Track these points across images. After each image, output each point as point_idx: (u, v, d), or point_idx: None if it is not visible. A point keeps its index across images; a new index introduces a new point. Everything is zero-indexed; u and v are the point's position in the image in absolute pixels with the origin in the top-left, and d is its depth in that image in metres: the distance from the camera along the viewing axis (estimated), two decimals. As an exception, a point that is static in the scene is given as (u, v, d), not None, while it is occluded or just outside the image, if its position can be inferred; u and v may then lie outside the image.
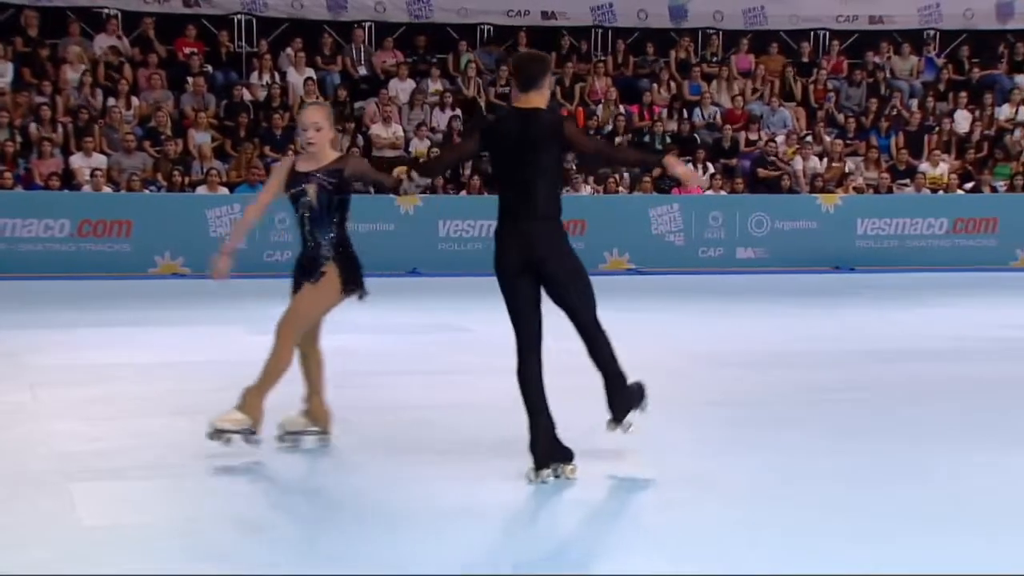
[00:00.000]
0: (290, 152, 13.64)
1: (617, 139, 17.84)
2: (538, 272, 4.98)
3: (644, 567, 3.97)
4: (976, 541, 4.24)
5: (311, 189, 5.49)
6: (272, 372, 5.33)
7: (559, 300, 5.02)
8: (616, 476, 5.15)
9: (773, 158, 17.56)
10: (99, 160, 15.78)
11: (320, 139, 5.54)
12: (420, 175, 5.39)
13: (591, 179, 17.05)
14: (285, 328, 5.36)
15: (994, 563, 4.00)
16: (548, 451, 4.93)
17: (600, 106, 18.35)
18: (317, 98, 17.46)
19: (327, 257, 5.47)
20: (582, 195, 16.80)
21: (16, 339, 9.15)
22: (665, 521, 4.51)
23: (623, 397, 5.07)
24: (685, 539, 4.26)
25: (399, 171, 5.51)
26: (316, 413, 5.66)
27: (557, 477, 4.94)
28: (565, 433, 5.07)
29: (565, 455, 4.99)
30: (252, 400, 5.32)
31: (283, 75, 17.82)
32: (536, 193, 4.94)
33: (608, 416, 5.14)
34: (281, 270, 14.47)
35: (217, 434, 5.29)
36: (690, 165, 17.28)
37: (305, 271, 5.50)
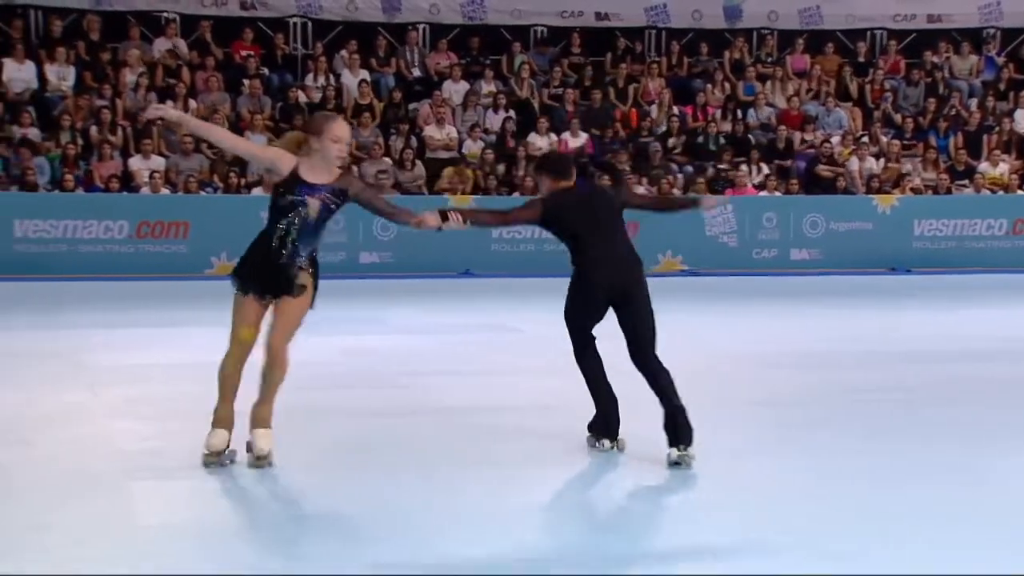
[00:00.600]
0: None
1: (671, 140, 17.86)
2: (622, 295, 5.49)
3: (689, 567, 4.04)
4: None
5: (314, 204, 5.30)
6: (277, 385, 5.34)
7: (629, 326, 5.48)
8: (661, 476, 5.22)
9: (828, 159, 17.47)
10: (157, 162, 16.09)
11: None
12: (468, 224, 5.57)
13: (644, 180, 17.06)
14: (283, 344, 5.29)
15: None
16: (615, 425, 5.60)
17: (654, 107, 18.36)
18: (371, 101, 17.67)
19: (301, 268, 5.33)
20: (635, 196, 16.78)
21: (77, 339, 9.39)
22: (707, 521, 4.58)
23: (687, 427, 5.33)
24: (728, 539, 4.32)
25: (441, 215, 5.50)
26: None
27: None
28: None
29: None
30: (268, 415, 5.42)
31: (338, 77, 18.03)
32: (618, 244, 5.57)
33: (674, 449, 5.30)
34: (333, 271, 14.60)
35: (265, 460, 5.37)
36: (743, 167, 17.24)
37: (280, 283, 5.30)
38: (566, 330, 5.60)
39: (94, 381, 7.50)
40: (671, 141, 17.86)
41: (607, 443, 5.59)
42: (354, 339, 9.51)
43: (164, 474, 5.22)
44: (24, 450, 5.63)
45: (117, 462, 5.40)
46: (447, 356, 8.88)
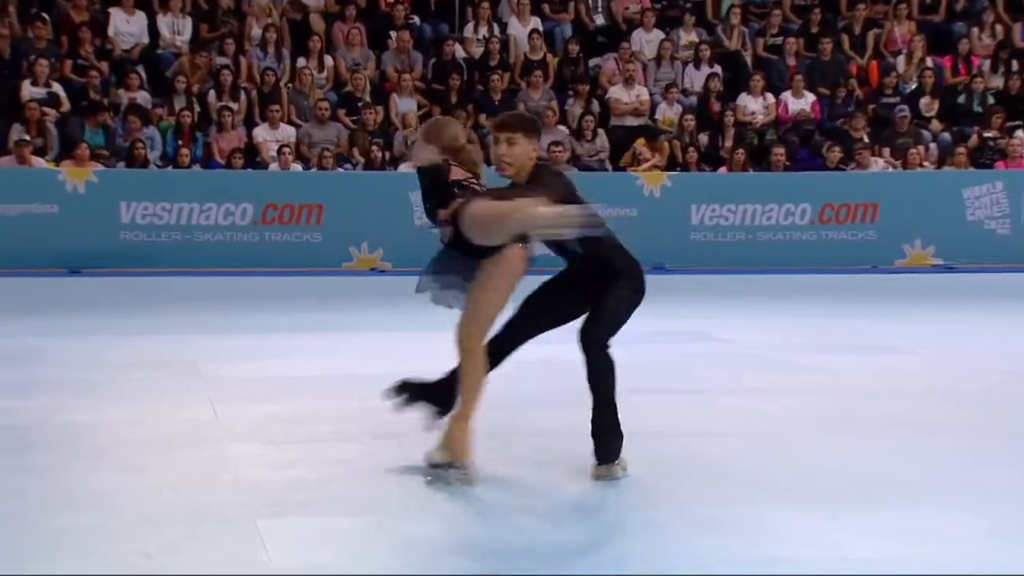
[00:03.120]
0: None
1: (923, 101, 17.41)
2: None
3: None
4: None
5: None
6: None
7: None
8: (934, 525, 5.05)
9: None
10: (286, 132, 16.48)
11: None
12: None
13: (886, 151, 16.67)
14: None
15: None
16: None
17: (900, 59, 17.90)
18: (544, 56, 17.70)
19: None
20: (873, 171, 16.44)
21: (193, 346, 9.63)
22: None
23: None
24: None
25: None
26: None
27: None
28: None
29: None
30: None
31: (503, 27, 18.16)
32: None
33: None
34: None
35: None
36: (1019, 133, 16.63)
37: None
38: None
39: (215, 396, 7.67)
40: (923, 102, 17.37)
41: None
42: (523, 349, 9.50)
43: (301, 510, 5.28)
44: (134, 478, 5.77)
45: (244, 494, 5.49)
46: (638, 370, 8.78)
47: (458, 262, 5.63)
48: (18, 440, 6.56)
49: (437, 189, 5.66)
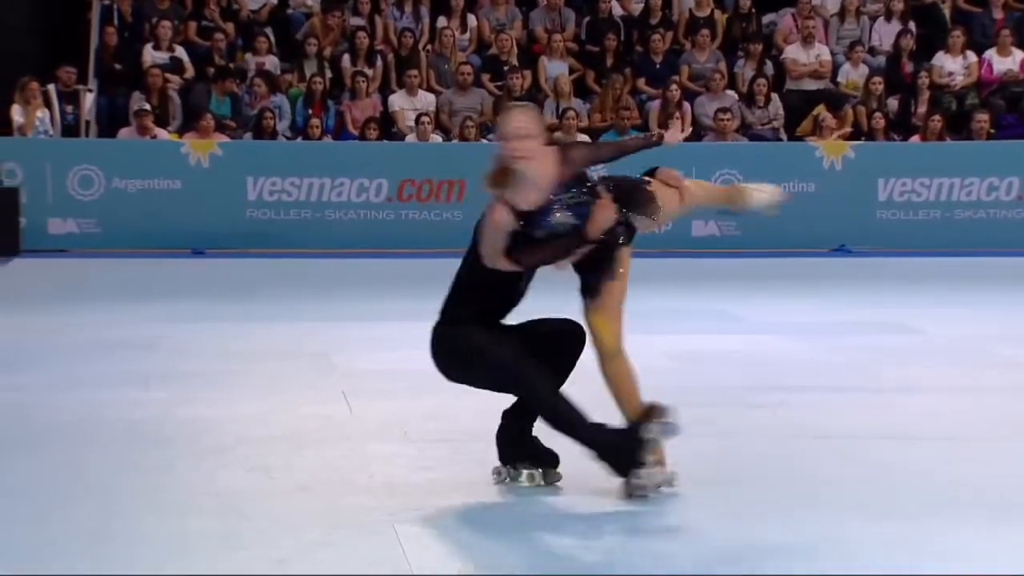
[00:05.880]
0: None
1: None
2: None
3: None
4: None
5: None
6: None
7: None
8: None
9: None
10: (426, 100, 16.63)
11: None
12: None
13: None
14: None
15: None
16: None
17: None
18: (712, 12, 17.59)
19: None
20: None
21: (325, 334, 9.80)
22: None
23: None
24: None
25: None
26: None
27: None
28: None
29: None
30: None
31: (666, -20, 18.07)
32: None
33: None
34: (656, 246, 14.59)
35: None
36: None
37: None
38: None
39: (348, 390, 7.78)
40: None
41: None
42: (688, 339, 9.50)
43: (442, 514, 5.34)
44: (263, 479, 5.88)
45: (381, 496, 5.57)
46: (819, 366, 8.73)
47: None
48: (137, 435, 6.73)
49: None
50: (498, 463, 5.79)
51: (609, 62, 17.08)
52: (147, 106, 16.09)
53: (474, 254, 5.61)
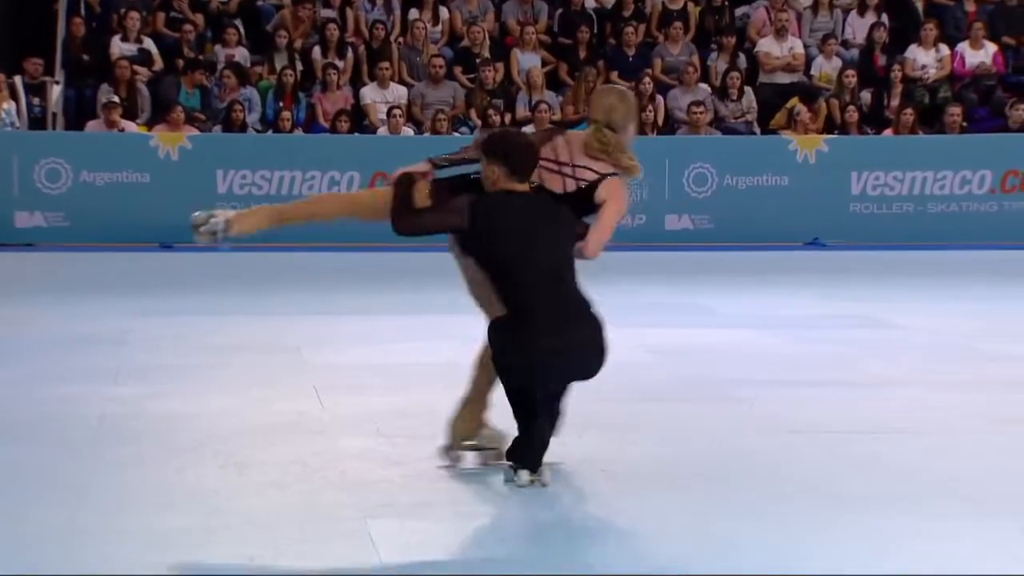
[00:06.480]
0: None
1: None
2: None
3: None
4: None
5: None
6: None
7: None
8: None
9: None
10: (397, 92, 16.60)
11: None
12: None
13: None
14: None
15: None
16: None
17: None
18: (684, 5, 17.60)
19: None
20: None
21: (297, 329, 9.79)
22: None
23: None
24: None
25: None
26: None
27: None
28: None
29: None
30: None
31: (638, -28, 18.09)
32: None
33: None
34: (631, 239, 14.60)
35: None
36: None
37: None
38: None
39: (321, 385, 7.76)
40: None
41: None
42: (664, 333, 9.51)
43: (415, 511, 5.33)
44: (235, 475, 5.87)
45: (354, 493, 5.56)
46: (795, 360, 8.74)
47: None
48: (108, 431, 6.71)
49: None
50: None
51: (582, 55, 17.09)
52: (115, 98, 16.02)
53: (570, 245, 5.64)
